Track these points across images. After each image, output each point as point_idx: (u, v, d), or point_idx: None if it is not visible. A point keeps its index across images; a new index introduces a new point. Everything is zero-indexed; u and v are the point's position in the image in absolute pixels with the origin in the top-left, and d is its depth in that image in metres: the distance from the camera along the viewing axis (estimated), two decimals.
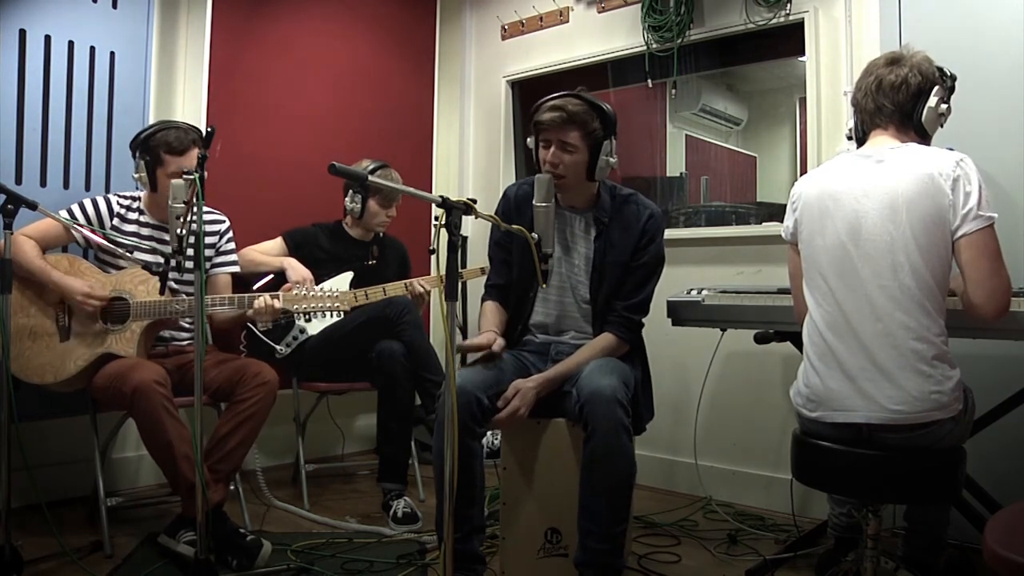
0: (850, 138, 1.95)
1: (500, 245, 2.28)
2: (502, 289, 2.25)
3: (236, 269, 2.71)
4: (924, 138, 1.80)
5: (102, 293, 2.31)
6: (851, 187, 1.72)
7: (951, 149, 1.74)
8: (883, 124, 1.79)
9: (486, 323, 2.19)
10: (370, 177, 1.59)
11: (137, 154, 2.44)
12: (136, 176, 2.46)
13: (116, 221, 2.47)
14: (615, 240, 2.15)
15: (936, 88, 1.76)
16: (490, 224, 1.86)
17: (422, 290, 2.83)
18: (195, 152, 2.38)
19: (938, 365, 1.62)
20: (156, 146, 2.39)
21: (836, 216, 1.73)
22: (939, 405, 1.61)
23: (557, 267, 2.19)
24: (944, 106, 1.79)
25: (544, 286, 1.88)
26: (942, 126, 1.83)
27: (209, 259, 2.62)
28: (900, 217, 1.64)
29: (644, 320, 2.21)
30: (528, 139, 2.19)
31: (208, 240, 2.60)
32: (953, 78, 1.85)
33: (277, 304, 2.37)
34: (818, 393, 1.73)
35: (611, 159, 2.10)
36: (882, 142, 1.78)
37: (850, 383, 1.67)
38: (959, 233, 1.62)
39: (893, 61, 1.78)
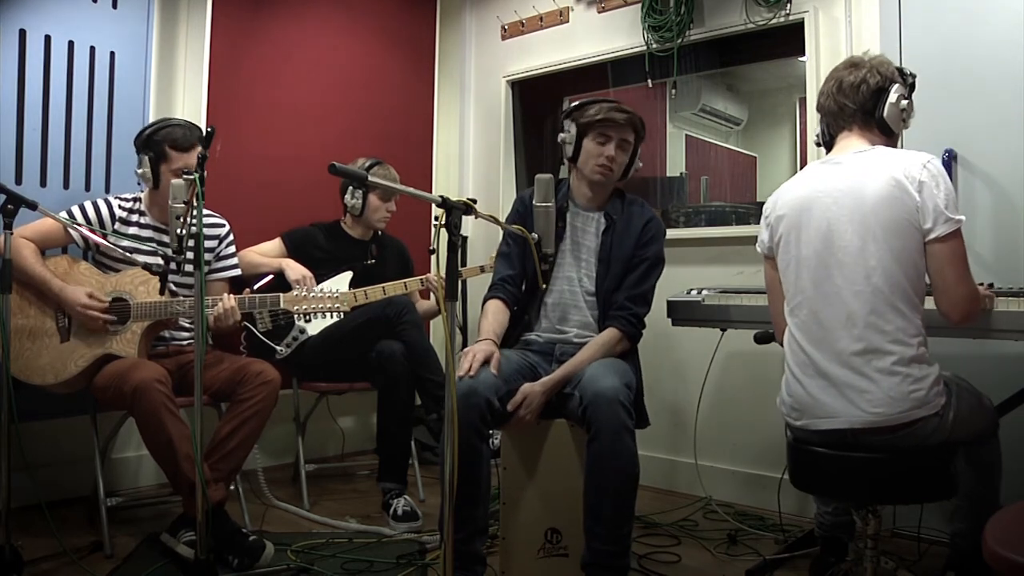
0: (818, 144, 1.98)
1: (515, 239, 2.29)
2: (513, 280, 2.25)
3: (236, 273, 2.71)
4: (890, 136, 1.82)
5: (100, 303, 2.29)
6: (822, 196, 1.74)
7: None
8: (847, 125, 1.82)
9: (487, 326, 2.17)
10: (370, 176, 1.59)
11: (141, 150, 2.44)
12: (139, 172, 2.45)
13: (118, 225, 2.46)
14: (620, 235, 2.23)
15: (896, 85, 1.79)
16: (490, 224, 1.86)
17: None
18: (198, 150, 2.38)
19: (915, 366, 1.63)
20: (161, 142, 2.39)
21: (810, 226, 1.75)
22: (920, 403, 1.62)
23: (565, 258, 2.24)
24: (905, 102, 1.81)
25: (544, 286, 1.88)
26: (905, 123, 1.84)
27: (208, 263, 2.61)
28: (869, 221, 1.66)
29: (646, 318, 2.22)
30: (564, 134, 2.25)
31: (208, 244, 2.60)
32: (913, 76, 1.88)
33: (230, 303, 2.36)
34: (801, 402, 1.75)
35: (639, 163, 2.30)
36: (848, 145, 1.80)
37: (830, 390, 1.68)
38: (930, 236, 1.64)
39: (852, 65, 1.82)
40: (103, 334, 2.32)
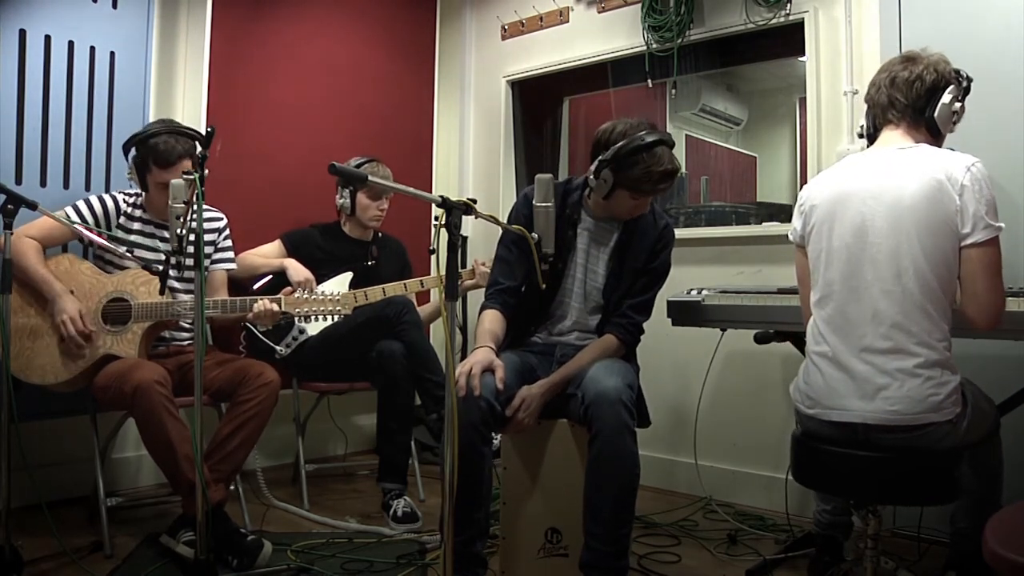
0: (861, 136, 1.94)
1: (517, 245, 2.19)
2: (511, 292, 2.18)
3: (233, 266, 2.72)
4: (936, 137, 1.79)
5: (82, 328, 2.26)
6: (858, 189, 1.72)
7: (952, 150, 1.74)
8: (895, 120, 1.78)
9: (482, 335, 2.09)
10: (371, 178, 1.59)
11: (129, 157, 2.44)
12: (129, 176, 2.47)
13: (123, 219, 2.47)
14: (633, 246, 2.18)
15: (951, 87, 1.75)
16: (490, 224, 1.85)
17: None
18: (185, 164, 2.36)
19: (937, 369, 1.62)
20: (145, 154, 2.38)
21: (843, 219, 1.73)
22: (934, 407, 1.61)
23: (576, 270, 2.20)
24: (958, 104, 1.77)
25: (543, 286, 1.87)
26: (954, 125, 1.81)
27: (208, 256, 2.62)
28: (906, 221, 1.64)
29: (645, 325, 2.21)
30: (599, 181, 2.05)
31: (208, 237, 2.60)
32: (969, 80, 1.83)
33: (276, 308, 2.36)
34: (817, 391, 1.74)
35: None
36: (892, 140, 1.77)
37: (849, 383, 1.68)
38: (968, 240, 1.62)
39: (908, 59, 1.78)
40: (104, 334, 2.32)
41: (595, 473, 1.89)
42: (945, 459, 1.65)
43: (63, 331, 2.26)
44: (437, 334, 3.62)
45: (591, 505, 1.90)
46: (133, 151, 2.43)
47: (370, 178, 1.58)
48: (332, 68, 3.52)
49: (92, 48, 2.77)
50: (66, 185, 2.72)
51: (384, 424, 2.81)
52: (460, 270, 1.95)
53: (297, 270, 2.88)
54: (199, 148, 1.89)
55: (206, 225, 2.58)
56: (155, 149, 2.36)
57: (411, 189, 1.61)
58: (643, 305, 2.19)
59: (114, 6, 2.83)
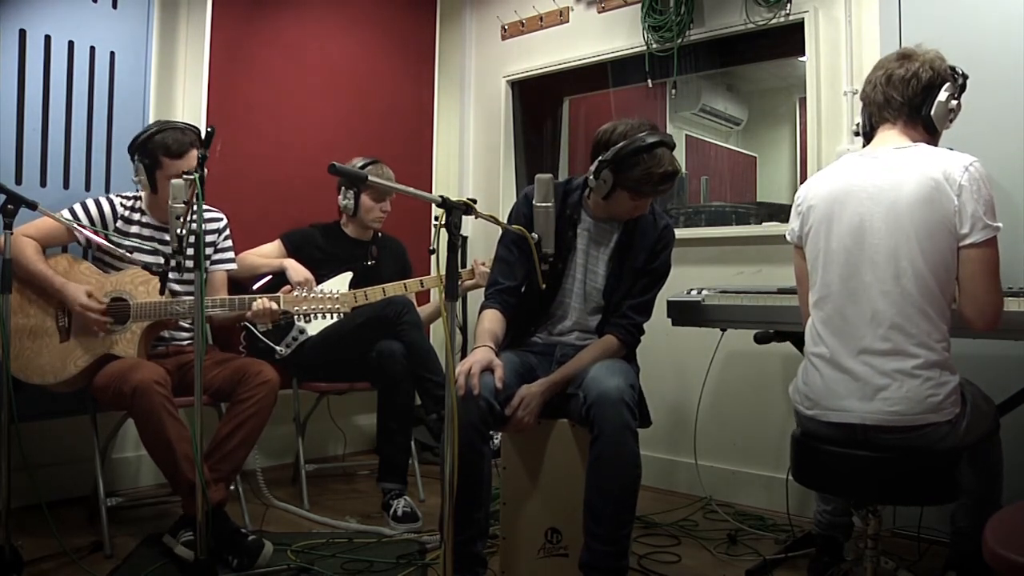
0: (857, 134, 1.94)
1: (517, 245, 2.19)
2: (511, 292, 2.19)
3: (233, 267, 2.72)
4: (933, 135, 1.79)
5: (100, 305, 2.28)
6: (856, 190, 1.72)
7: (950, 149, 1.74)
8: (892, 118, 1.78)
9: (482, 334, 2.09)
10: (370, 177, 1.59)
11: (136, 157, 2.44)
12: (136, 179, 2.47)
13: (120, 223, 2.47)
14: (633, 246, 2.18)
15: (947, 84, 1.75)
16: (490, 224, 1.85)
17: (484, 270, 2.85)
18: (194, 153, 2.38)
19: (936, 370, 1.62)
20: (154, 149, 2.39)
21: (841, 219, 1.73)
22: (934, 408, 1.62)
23: (576, 270, 2.20)
24: (954, 102, 1.77)
25: (543, 286, 1.87)
26: (950, 122, 1.81)
27: (208, 257, 2.61)
28: (904, 222, 1.64)
29: (645, 326, 2.21)
30: (599, 181, 2.05)
31: (207, 238, 2.60)
32: (965, 76, 1.83)
33: (276, 307, 2.36)
34: (816, 391, 1.74)
35: None
36: (889, 139, 1.77)
37: (848, 383, 1.68)
38: (967, 241, 1.62)
39: (904, 56, 1.78)
40: (103, 334, 2.32)
41: (596, 474, 1.89)
42: (945, 459, 1.65)
43: (83, 319, 2.27)
44: (437, 334, 3.62)
45: (592, 505, 1.90)
46: (138, 153, 2.43)
47: (370, 178, 1.59)
48: (332, 68, 3.52)
49: (92, 48, 2.77)
50: (66, 185, 2.72)
51: (384, 424, 2.81)
52: (460, 270, 1.94)
53: (297, 270, 2.88)
54: (199, 148, 1.89)
55: (206, 226, 2.58)
56: (164, 143, 2.38)
57: (411, 189, 1.61)
58: (643, 306, 2.19)
59: (114, 6, 2.83)
